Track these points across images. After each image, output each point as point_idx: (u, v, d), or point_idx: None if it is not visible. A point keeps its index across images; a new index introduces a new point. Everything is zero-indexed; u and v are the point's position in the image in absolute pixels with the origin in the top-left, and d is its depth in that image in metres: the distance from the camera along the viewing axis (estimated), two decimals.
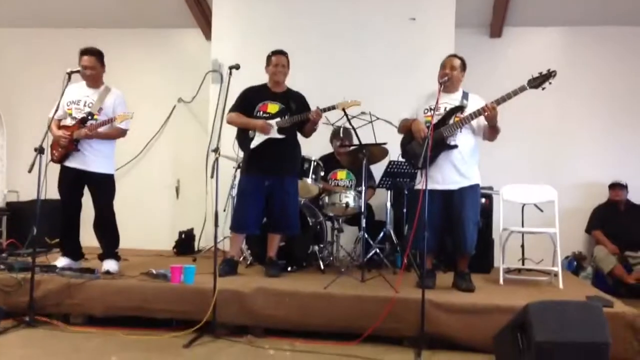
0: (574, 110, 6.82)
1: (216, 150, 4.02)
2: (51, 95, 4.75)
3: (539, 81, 4.09)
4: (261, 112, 4.77)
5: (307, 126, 4.81)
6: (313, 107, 4.74)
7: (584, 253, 6.40)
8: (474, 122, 4.32)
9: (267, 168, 4.71)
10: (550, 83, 4.08)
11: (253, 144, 4.72)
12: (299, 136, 4.96)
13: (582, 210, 6.50)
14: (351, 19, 6.36)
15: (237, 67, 4.41)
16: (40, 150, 4.09)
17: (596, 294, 4.40)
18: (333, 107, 4.69)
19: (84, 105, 4.70)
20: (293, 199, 4.88)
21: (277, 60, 4.81)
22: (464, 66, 4.45)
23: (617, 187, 6.38)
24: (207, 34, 7.02)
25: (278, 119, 4.72)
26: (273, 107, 4.78)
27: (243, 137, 4.81)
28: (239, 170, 5.28)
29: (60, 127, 4.68)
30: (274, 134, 4.70)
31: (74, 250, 4.86)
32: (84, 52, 4.72)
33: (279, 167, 4.75)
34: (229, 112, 4.79)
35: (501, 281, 4.78)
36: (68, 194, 4.74)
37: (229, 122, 4.83)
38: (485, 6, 6.63)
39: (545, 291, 4.57)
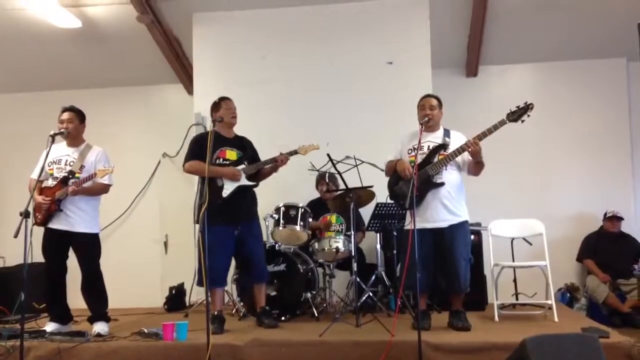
0: (556, 143, 6.91)
1: (204, 203, 3.92)
2: (35, 158, 4.73)
3: (518, 114, 4.16)
4: (221, 160, 4.62)
5: (265, 170, 4.69)
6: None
7: (577, 284, 6.37)
8: (459, 158, 4.37)
9: (238, 216, 4.59)
10: (528, 115, 4.16)
11: (225, 193, 4.54)
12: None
13: (571, 240, 6.53)
14: (330, 66, 6.43)
15: (220, 119, 4.44)
16: (25, 215, 3.99)
17: (591, 325, 4.40)
18: (295, 152, 4.65)
19: (65, 164, 4.64)
20: (260, 244, 4.80)
21: (230, 104, 4.69)
22: (440, 104, 4.53)
23: (614, 219, 6.39)
24: (189, 88, 7.08)
25: (243, 166, 4.61)
26: (231, 154, 4.64)
27: (212, 187, 4.58)
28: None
29: (42, 189, 4.60)
30: (244, 181, 4.60)
31: (61, 314, 4.73)
32: (64, 109, 4.71)
33: (248, 214, 4.67)
34: (187, 161, 4.69)
35: (496, 318, 4.76)
36: (52, 256, 4.62)
37: (190, 171, 4.70)
38: (459, 47, 6.78)
39: (541, 325, 4.56)
